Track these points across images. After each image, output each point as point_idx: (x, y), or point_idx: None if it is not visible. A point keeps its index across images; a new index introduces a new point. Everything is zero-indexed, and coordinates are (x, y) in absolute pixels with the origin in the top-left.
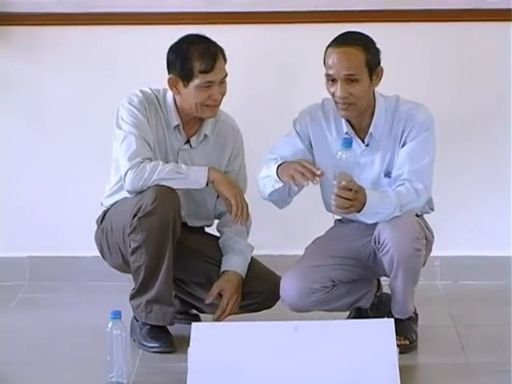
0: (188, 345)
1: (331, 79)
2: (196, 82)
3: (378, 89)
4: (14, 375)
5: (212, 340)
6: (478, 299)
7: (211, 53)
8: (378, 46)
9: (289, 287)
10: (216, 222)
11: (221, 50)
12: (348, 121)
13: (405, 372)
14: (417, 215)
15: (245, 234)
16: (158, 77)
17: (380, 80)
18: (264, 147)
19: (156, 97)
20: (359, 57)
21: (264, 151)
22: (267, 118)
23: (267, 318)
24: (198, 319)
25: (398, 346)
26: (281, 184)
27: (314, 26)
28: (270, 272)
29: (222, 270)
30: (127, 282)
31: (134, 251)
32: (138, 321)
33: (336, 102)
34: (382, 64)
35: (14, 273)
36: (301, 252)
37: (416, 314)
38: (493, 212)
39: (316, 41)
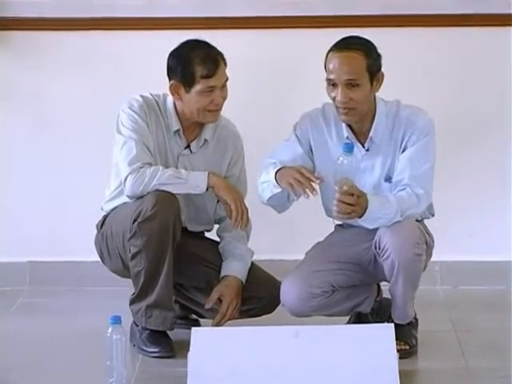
0: (188, 350)
1: (332, 84)
2: (198, 87)
3: (379, 93)
4: (14, 380)
5: (212, 345)
6: (478, 304)
7: (212, 58)
8: (378, 50)
9: (289, 292)
10: (216, 226)
11: (221, 55)
12: (348, 125)
13: (405, 377)
14: (417, 220)
15: (245, 238)
16: (158, 81)
17: (381, 85)
18: (264, 152)
19: (156, 102)
20: (360, 62)
21: (264, 156)
22: (267, 123)
23: (267, 322)
24: (197, 324)
25: (398, 350)
26: (279, 189)
27: (314, 30)
28: (270, 277)
29: (222, 275)
30: (127, 287)
31: (133, 256)
32: (137, 326)
33: (337, 107)
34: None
35: (14, 278)
36: (301, 257)
37: (416, 319)
38: (493, 217)
39: (316, 45)
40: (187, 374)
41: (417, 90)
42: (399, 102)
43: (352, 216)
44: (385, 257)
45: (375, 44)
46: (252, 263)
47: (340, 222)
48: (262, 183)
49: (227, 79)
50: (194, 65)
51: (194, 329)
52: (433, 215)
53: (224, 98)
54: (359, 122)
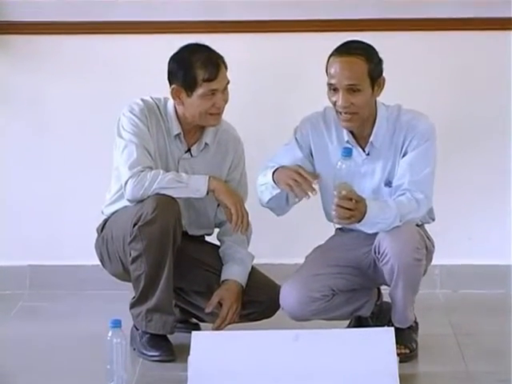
0: (188, 353)
1: (333, 88)
2: (200, 91)
3: (380, 98)
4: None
5: (212, 349)
6: (478, 308)
7: (213, 61)
8: (380, 55)
9: (289, 296)
10: (216, 230)
11: (222, 58)
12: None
13: (405, 381)
14: (417, 225)
15: (245, 242)
16: (158, 85)
17: (382, 90)
18: (264, 156)
19: (157, 105)
20: (361, 67)
21: (264, 160)
22: (268, 126)
23: (267, 326)
24: (197, 328)
25: (398, 354)
26: (278, 190)
27: (315, 34)
28: (271, 281)
29: (222, 279)
30: (127, 291)
31: (134, 260)
32: (138, 329)
33: (337, 112)
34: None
35: (15, 281)
36: (301, 261)
37: (416, 323)
38: (492, 221)
39: (316, 49)
40: (187, 377)
41: (417, 93)
42: (400, 107)
43: (351, 221)
44: (384, 261)
45: (376, 48)
46: (252, 267)
47: (340, 226)
48: (260, 185)
49: (228, 82)
50: (196, 69)
51: (194, 333)
52: (433, 220)
53: (225, 101)
54: (360, 127)
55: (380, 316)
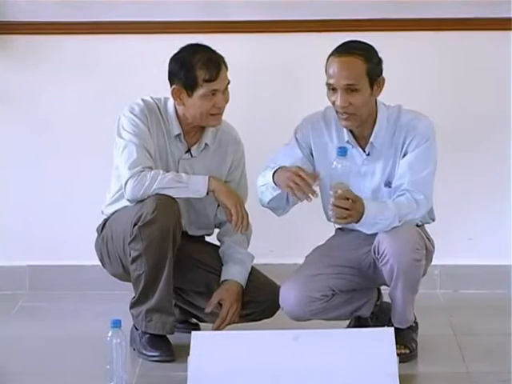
0: (188, 354)
1: (332, 88)
2: (201, 91)
3: (380, 98)
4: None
5: (212, 349)
6: (478, 308)
7: (214, 61)
8: (379, 55)
9: (288, 296)
10: (216, 231)
11: (222, 59)
12: (349, 130)
13: (405, 381)
14: (417, 225)
15: (245, 243)
16: (158, 85)
17: (382, 90)
18: (265, 156)
19: (157, 106)
20: (360, 66)
21: (264, 160)
22: (268, 127)
23: (267, 326)
24: (197, 328)
25: (398, 354)
26: (279, 191)
27: (315, 34)
28: (270, 281)
29: (222, 279)
30: (127, 291)
31: (134, 260)
32: (137, 330)
33: (337, 112)
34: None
35: (14, 281)
36: (301, 261)
37: (416, 323)
38: (493, 221)
39: (316, 50)
40: (187, 378)
41: (417, 94)
42: (400, 107)
43: (348, 221)
44: (384, 262)
45: (376, 48)
46: (252, 267)
47: (340, 226)
48: (260, 186)
49: (229, 82)
50: (197, 69)
51: (193, 333)
52: (433, 220)
53: (226, 102)
54: (360, 127)
55: (380, 316)
